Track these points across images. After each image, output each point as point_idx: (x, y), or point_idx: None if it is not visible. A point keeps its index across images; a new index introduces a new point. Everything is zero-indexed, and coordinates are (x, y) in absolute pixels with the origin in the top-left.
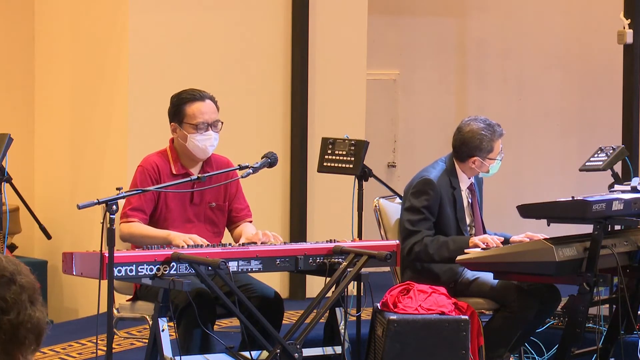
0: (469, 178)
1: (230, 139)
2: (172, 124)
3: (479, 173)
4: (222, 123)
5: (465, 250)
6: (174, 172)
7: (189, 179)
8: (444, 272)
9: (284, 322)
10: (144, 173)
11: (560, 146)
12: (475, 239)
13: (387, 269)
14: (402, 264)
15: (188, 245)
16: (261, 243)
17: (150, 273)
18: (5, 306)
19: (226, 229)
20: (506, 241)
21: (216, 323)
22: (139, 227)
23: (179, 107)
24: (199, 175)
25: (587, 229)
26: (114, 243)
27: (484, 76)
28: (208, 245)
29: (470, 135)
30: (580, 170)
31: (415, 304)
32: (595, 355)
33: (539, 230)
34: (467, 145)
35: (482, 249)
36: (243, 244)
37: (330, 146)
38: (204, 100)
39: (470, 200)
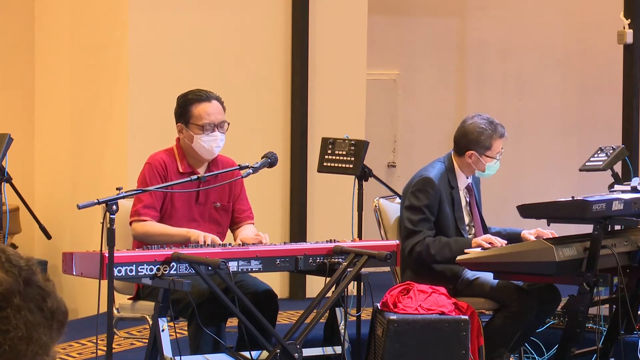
0: (467, 177)
1: (230, 139)
2: (178, 124)
3: (475, 171)
4: (228, 124)
5: (465, 250)
6: (181, 170)
7: (190, 178)
8: (444, 273)
9: (284, 322)
10: (152, 170)
11: (560, 146)
12: (479, 239)
13: (387, 269)
14: (402, 264)
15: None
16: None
17: (150, 273)
18: (44, 293)
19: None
20: (516, 235)
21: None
22: (154, 226)
23: (185, 108)
24: (199, 175)
25: (587, 229)
26: (114, 243)
27: (484, 76)
28: (208, 245)
29: (471, 128)
30: (580, 170)
31: (415, 304)
32: (595, 355)
33: None
34: (467, 138)
35: (484, 248)
36: (242, 244)
37: (330, 146)
38: (210, 101)
39: (468, 200)
